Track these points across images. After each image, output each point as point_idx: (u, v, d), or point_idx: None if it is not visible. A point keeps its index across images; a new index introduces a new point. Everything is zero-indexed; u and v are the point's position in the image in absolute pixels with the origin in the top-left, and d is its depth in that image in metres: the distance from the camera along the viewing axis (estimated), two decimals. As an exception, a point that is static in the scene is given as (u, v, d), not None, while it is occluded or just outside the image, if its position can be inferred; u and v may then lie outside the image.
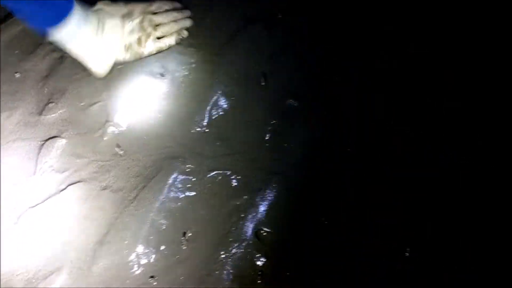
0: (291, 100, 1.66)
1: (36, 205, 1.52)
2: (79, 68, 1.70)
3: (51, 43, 1.69)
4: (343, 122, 1.62)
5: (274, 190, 1.52)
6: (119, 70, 1.69)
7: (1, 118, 1.66)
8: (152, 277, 1.42)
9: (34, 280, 1.44)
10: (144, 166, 1.58)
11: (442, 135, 1.60)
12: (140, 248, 1.45)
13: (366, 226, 1.48)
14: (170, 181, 1.54)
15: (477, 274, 1.41)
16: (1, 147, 1.61)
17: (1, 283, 1.44)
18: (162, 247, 1.46)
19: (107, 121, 1.64)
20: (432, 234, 1.46)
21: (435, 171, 1.54)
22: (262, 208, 1.50)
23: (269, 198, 1.51)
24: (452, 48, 1.72)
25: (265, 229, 1.47)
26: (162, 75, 1.70)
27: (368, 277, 1.42)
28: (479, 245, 1.45)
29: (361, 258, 1.44)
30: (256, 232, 1.47)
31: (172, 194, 1.52)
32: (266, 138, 1.61)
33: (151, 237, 1.47)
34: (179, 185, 1.54)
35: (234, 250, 1.45)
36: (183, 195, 1.53)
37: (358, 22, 1.77)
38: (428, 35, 1.75)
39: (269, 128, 1.62)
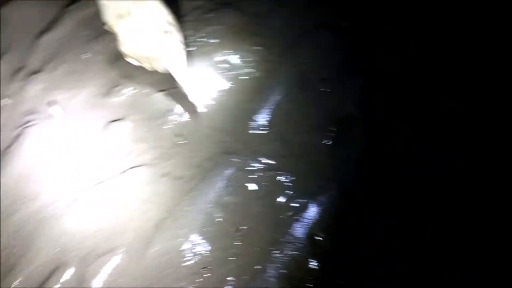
0: (351, 107, 1.67)
1: (98, 183, 1.55)
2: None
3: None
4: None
5: (331, 197, 1.54)
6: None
7: (68, 97, 1.70)
8: (204, 267, 1.44)
9: (88, 258, 1.47)
10: (204, 158, 1.61)
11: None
12: (195, 238, 1.48)
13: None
14: (228, 175, 1.56)
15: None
16: (67, 126, 1.65)
17: (56, 258, 1.47)
18: (217, 240, 1.48)
19: (170, 109, 1.67)
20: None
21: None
22: (317, 213, 1.51)
23: (325, 203, 1.53)
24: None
25: (319, 233, 1.48)
26: (227, 70, 1.72)
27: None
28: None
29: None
30: (310, 235, 1.48)
31: (229, 189, 1.55)
32: (326, 143, 1.62)
33: (207, 229, 1.50)
34: (237, 180, 1.56)
35: (287, 251, 1.47)
36: (240, 191, 1.55)
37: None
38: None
39: (329, 134, 1.63)
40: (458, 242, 1.46)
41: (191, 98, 1.59)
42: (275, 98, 1.69)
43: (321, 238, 1.48)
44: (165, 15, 1.52)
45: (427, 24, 1.78)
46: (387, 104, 1.67)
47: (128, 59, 1.54)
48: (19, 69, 1.77)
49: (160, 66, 1.54)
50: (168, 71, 1.56)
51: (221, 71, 1.72)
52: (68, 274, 1.44)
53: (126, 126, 1.64)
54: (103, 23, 1.51)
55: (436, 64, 1.72)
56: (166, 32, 1.50)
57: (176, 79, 1.56)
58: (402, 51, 1.74)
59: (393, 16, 1.80)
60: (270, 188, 1.56)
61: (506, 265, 1.42)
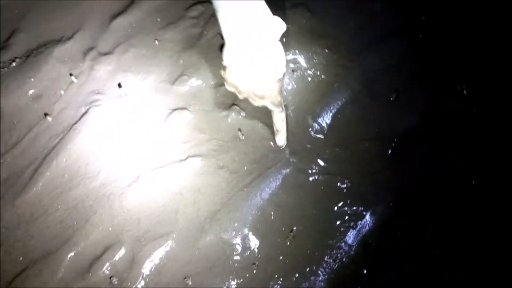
0: (419, 120, 1.63)
1: (157, 168, 1.58)
2: (215, 47, 1.76)
3: (193, 17, 1.75)
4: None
5: (388, 207, 1.50)
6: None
7: (134, 81, 1.74)
8: (254, 264, 1.44)
9: (142, 239, 1.49)
10: (262, 155, 1.61)
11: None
12: (247, 233, 1.48)
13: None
14: (285, 175, 1.56)
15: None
16: (131, 109, 1.68)
17: (110, 235, 1.50)
18: (268, 237, 1.48)
19: (233, 104, 1.68)
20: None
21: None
22: (373, 222, 1.49)
23: (381, 213, 1.50)
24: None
25: (373, 243, 1.45)
26: (293, 70, 1.72)
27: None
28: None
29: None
30: (364, 244, 1.45)
31: (285, 188, 1.54)
32: (388, 153, 1.59)
33: (259, 225, 1.49)
34: (293, 181, 1.56)
35: (337, 256, 1.45)
36: (296, 192, 1.54)
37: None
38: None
39: (393, 144, 1.60)
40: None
41: (278, 140, 1.59)
42: (339, 102, 1.67)
43: (374, 247, 1.45)
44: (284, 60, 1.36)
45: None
46: (452, 118, 1.63)
47: (228, 88, 1.39)
48: (89, 49, 1.83)
49: (259, 104, 1.42)
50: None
51: (289, 71, 1.71)
52: (120, 253, 1.47)
53: (188, 115, 1.66)
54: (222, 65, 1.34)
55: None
56: (279, 79, 1.36)
57: (273, 117, 1.52)
58: (472, 64, 1.70)
59: (465, 28, 1.74)
60: (327, 192, 1.54)
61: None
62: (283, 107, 1.44)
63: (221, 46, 1.28)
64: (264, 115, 1.63)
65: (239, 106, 1.67)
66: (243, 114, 1.66)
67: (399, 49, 1.74)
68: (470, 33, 1.74)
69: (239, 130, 1.62)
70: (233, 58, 1.27)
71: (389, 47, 1.74)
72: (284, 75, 1.35)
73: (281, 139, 1.58)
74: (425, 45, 1.76)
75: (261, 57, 1.27)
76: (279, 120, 1.51)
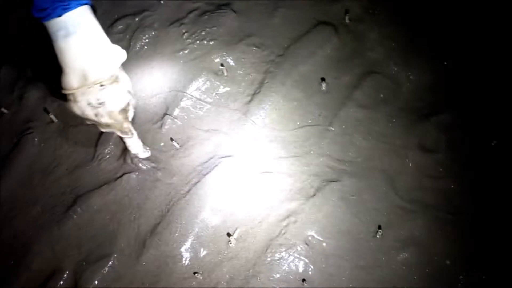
0: (353, 107, 1.62)
1: (93, 190, 1.56)
2: (143, 58, 1.75)
3: (119, 32, 1.74)
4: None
5: (328, 198, 1.48)
6: (182, 64, 1.72)
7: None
8: (196, 272, 1.41)
9: (84, 263, 1.47)
10: (199, 162, 1.59)
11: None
12: (188, 243, 1.46)
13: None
14: (224, 178, 1.53)
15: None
16: (64, 131, 1.67)
17: (55, 261, 1.48)
18: (211, 244, 1.46)
19: (165, 114, 1.66)
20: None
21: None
22: (314, 215, 1.46)
23: (322, 205, 1.47)
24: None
25: (316, 237, 1.43)
26: (223, 72, 1.70)
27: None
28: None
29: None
30: (306, 238, 1.43)
31: (225, 192, 1.52)
32: (323, 143, 1.58)
33: (201, 233, 1.47)
34: (233, 183, 1.53)
35: (282, 254, 1.42)
36: (236, 194, 1.52)
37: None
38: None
39: (328, 132, 1.58)
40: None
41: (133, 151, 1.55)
42: (272, 98, 1.65)
43: (317, 242, 1.43)
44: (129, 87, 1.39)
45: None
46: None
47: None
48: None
49: (107, 130, 1.45)
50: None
51: (218, 72, 1.70)
52: (64, 279, 1.45)
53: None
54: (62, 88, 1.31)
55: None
56: (121, 109, 1.37)
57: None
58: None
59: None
60: (268, 191, 1.52)
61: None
62: (132, 132, 1.46)
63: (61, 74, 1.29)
64: (195, 122, 1.62)
65: (171, 115, 1.65)
66: (176, 123, 1.65)
67: (326, 38, 1.72)
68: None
69: (173, 139, 1.60)
70: (72, 88, 1.27)
71: (316, 37, 1.72)
72: (129, 104, 1.38)
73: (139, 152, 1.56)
74: (351, 30, 1.74)
75: (100, 89, 1.27)
76: (131, 144, 1.51)
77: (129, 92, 1.37)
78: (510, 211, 1.40)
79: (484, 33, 1.66)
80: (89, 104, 1.31)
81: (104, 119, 1.36)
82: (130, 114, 1.43)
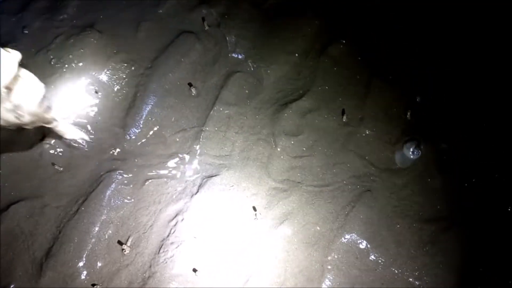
0: (223, 106, 1.76)
1: None
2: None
3: None
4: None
5: (211, 193, 1.62)
6: (53, 88, 1.76)
7: None
8: (95, 284, 1.48)
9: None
10: (83, 180, 1.65)
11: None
12: (84, 258, 1.52)
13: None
14: (110, 192, 1.61)
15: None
16: None
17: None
18: (106, 255, 1.53)
19: (43, 138, 1.70)
20: None
21: None
22: (200, 211, 1.59)
23: (205, 200, 1.60)
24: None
25: (203, 230, 1.56)
26: (96, 91, 1.77)
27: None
28: None
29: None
30: (195, 233, 1.56)
31: (113, 205, 1.60)
32: (200, 143, 1.71)
33: (95, 247, 1.54)
34: (119, 195, 1.61)
35: (174, 252, 1.53)
36: (124, 204, 1.60)
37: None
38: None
39: (202, 132, 1.72)
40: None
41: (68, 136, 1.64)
42: (147, 109, 1.75)
43: (205, 234, 1.56)
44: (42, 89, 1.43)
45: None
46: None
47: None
48: None
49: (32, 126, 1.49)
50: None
51: (92, 93, 1.76)
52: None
53: (2, 160, 1.65)
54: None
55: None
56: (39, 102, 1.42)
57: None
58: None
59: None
60: (154, 196, 1.62)
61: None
62: (56, 119, 1.55)
63: None
64: (74, 143, 1.67)
65: (49, 140, 1.69)
66: (55, 147, 1.69)
67: (190, 46, 1.85)
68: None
69: (54, 163, 1.65)
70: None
71: (181, 46, 1.85)
72: (44, 96, 1.43)
73: (72, 134, 1.66)
74: (212, 36, 1.89)
75: (8, 92, 1.32)
76: (62, 130, 1.62)
77: (37, 85, 1.40)
78: (362, 176, 1.63)
79: (335, 24, 1.88)
80: (7, 111, 1.33)
81: (27, 118, 1.39)
82: (47, 104, 1.45)
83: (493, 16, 1.84)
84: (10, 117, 1.37)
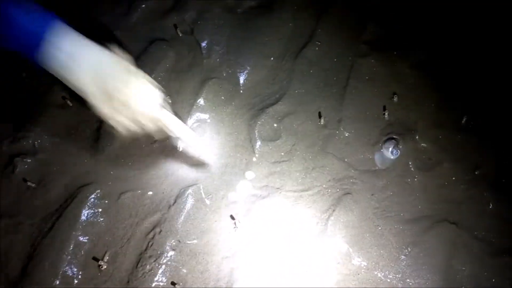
0: (199, 112, 1.74)
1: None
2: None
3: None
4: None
5: (188, 203, 1.58)
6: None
7: None
8: (71, 302, 1.45)
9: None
10: (57, 196, 1.62)
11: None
12: (60, 276, 1.48)
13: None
14: (84, 207, 1.57)
15: None
16: None
17: None
18: (82, 272, 1.50)
19: (15, 156, 1.67)
20: None
21: None
22: (177, 221, 1.56)
23: (182, 210, 1.57)
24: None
25: (182, 241, 1.53)
26: (64, 98, 1.74)
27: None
28: None
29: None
30: (173, 245, 1.53)
31: (88, 220, 1.56)
32: (178, 153, 1.68)
33: (71, 264, 1.50)
34: (94, 210, 1.58)
35: (152, 265, 1.50)
36: (99, 219, 1.57)
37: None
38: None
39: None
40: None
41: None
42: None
43: (184, 245, 1.53)
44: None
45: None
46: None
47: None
48: None
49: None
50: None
51: (62, 106, 1.73)
52: None
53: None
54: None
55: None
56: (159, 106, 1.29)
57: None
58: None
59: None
60: (130, 209, 1.59)
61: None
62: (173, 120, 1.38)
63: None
64: (45, 157, 1.64)
65: (20, 157, 1.66)
66: (27, 163, 1.65)
67: (163, 54, 1.84)
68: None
69: (27, 180, 1.61)
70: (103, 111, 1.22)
71: (154, 54, 1.84)
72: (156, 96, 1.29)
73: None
74: (185, 43, 1.86)
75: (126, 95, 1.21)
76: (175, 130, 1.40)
77: (147, 84, 1.27)
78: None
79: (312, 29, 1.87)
80: (129, 120, 1.25)
81: (149, 125, 1.29)
82: (160, 103, 1.31)
83: (471, 18, 1.83)
84: (133, 126, 1.28)
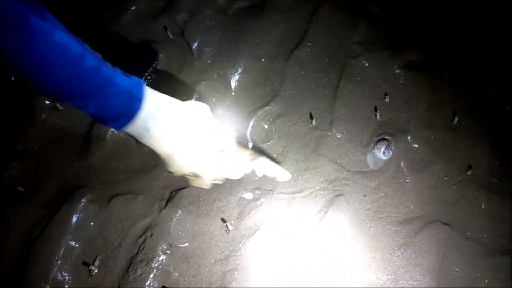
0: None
1: None
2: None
3: None
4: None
5: (179, 206, 1.57)
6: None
7: None
8: (63, 312, 1.44)
9: None
10: (48, 200, 1.60)
11: None
12: (51, 280, 1.47)
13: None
14: (75, 211, 1.56)
15: None
16: None
17: None
18: (73, 277, 1.49)
19: (5, 160, 1.65)
20: None
21: None
22: (168, 225, 1.55)
23: (173, 214, 1.56)
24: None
25: (173, 244, 1.52)
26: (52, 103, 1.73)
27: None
28: None
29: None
30: (164, 248, 1.52)
31: (78, 224, 1.55)
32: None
33: (62, 269, 1.49)
34: (85, 214, 1.57)
35: (143, 269, 1.49)
36: (90, 223, 1.56)
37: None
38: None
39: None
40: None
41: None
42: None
43: (175, 249, 1.52)
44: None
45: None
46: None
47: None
48: None
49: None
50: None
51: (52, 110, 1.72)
52: None
53: None
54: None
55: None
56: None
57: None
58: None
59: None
60: (122, 213, 1.58)
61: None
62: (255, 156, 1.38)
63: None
64: (34, 162, 1.62)
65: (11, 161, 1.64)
66: (20, 169, 1.64)
67: (154, 56, 1.81)
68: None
69: (18, 185, 1.59)
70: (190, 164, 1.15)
71: (144, 57, 1.82)
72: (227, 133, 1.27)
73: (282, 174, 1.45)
74: (176, 44, 1.85)
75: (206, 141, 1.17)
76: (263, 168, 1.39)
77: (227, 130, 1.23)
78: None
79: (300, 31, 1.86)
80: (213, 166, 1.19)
81: (227, 164, 1.25)
82: (234, 139, 1.26)
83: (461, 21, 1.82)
84: (215, 171, 1.23)
